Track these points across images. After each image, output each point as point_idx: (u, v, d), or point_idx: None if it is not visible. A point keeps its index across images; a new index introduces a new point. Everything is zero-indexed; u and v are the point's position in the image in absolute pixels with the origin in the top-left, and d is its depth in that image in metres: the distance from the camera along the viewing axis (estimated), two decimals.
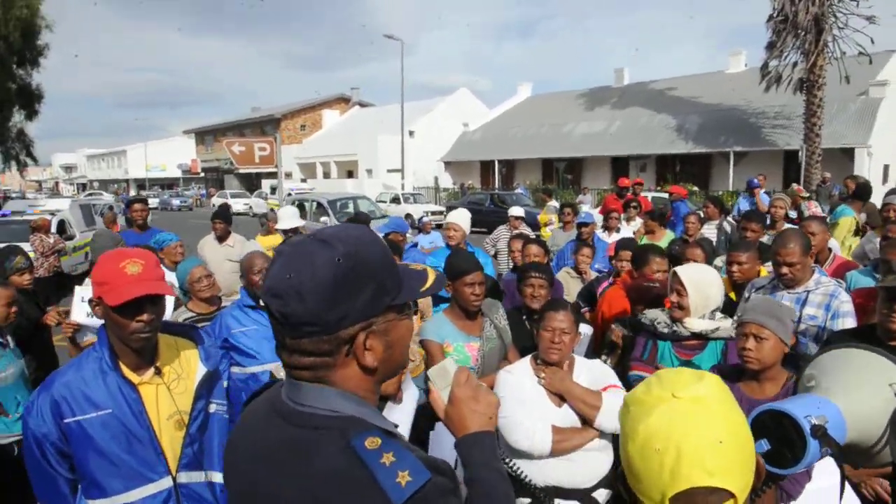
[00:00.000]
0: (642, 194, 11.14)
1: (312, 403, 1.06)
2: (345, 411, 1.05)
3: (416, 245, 5.90)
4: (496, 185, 33.32)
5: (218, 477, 2.10)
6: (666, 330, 3.08)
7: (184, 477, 2.06)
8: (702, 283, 3.12)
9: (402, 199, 27.21)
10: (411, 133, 36.40)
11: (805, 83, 20.16)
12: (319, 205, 16.57)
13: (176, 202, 45.77)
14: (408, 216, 24.38)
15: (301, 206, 15.87)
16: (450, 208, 24.77)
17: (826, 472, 2.47)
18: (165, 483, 2.01)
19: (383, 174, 37.49)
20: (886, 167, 23.20)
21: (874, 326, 2.96)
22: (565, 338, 2.70)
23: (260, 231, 8.16)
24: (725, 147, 25.38)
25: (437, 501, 0.98)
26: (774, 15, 20.13)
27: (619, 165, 29.91)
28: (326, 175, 43.06)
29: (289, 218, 6.51)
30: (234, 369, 3.35)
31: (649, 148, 28.10)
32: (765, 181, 13.37)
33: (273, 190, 29.27)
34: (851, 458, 1.38)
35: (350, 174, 40.95)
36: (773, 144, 24.08)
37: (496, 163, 34.41)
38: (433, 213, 24.12)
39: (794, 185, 11.54)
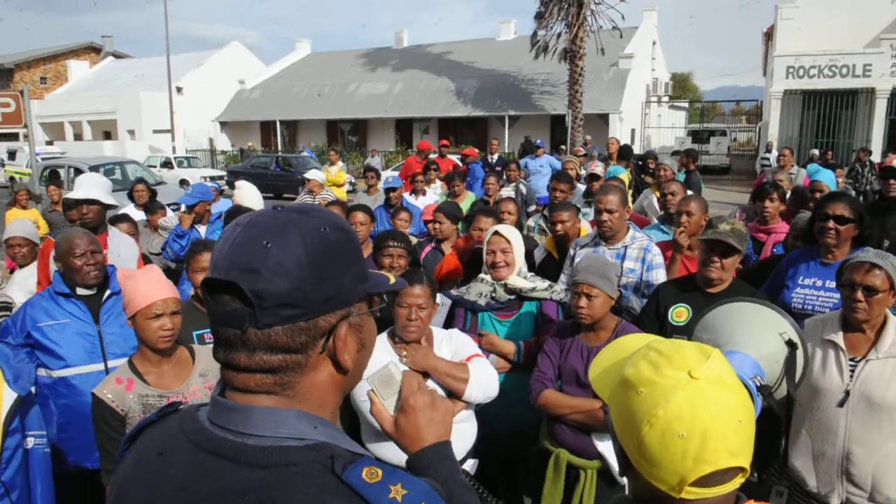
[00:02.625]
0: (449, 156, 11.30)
1: (269, 431, 0.83)
2: (313, 437, 0.84)
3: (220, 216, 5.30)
4: (279, 148, 31.91)
5: None
6: (483, 302, 3.15)
7: None
8: (519, 241, 3.25)
9: (174, 163, 24.72)
10: (179, 90, 33.15)
11: (568, 53, 22.01)
12: (78, 171, 14.38)
13: None
14: (183, 182, 22.37)
15: (55, 174, 13.68)
16: (231, 172, 23.43)
17: None
18: None
19: (149, 135, 33.65)
20: (633, 130, 26.49)
21: (693, 276, 3.25)
22: (422, 313, 2.59)
23: (11, 205, 6.78)
24: (500, 111, 26.98)
25: None
26: None
27: (404, 127, 30.38)
28: (78, 137, 37.50)
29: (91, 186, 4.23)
30: (39, 372, 2.77)
31: (432, 111, 28.85)
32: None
33: (12, 155, 24.67)
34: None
35: (108, 135, 36.17)
36: (542, 109, 26.14)
37: (278, 123, 32.84)
38: (212, 178, 22.40)
39: (576, 147, 12.53)
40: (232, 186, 20.93)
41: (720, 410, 0.97)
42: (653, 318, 3.15)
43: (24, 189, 8.38)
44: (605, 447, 2.61)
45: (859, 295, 2.47)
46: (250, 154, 28.22)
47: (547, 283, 3.29)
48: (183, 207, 5.03)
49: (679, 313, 3.11)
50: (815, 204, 3.84)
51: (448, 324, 3.33)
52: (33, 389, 1.83)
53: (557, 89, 25.02)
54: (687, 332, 3.06)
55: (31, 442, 1.85)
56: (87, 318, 2.88)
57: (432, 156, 11.86)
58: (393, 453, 1.36)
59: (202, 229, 5.04)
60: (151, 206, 5.77)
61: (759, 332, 1.63)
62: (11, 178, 19.44)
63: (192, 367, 2.45)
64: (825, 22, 20.72)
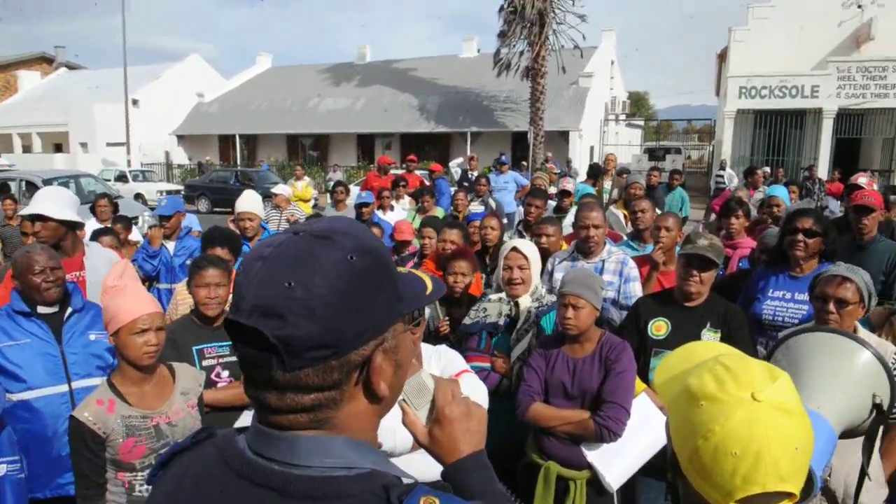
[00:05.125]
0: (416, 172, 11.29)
1: (317, 461, 0.79)
2: (362, 465, 0.81)
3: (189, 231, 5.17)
4: (238, 162, 31.46)
5: None
6: (503, 322, 3.15)
7: None
8: (537, 257, 3.28)
9: (129, 177, 24.10)
10: (135, 102, 32.43)
11: (530, 71, 22.39)
12: (30, 184, 13.92)
13: None
14: (138, 196, 21.84)
15: (5, 187, 13.20)
16: (188, 186, 22.98)
17: (640, 405, 2.78)
18: None
19: (102, 148, 32.77)
20: (592, 147, 26.99)
21: (671, 291, 3.33)
22: (416, 336, 2.57)
23: None
24: (463, 127, 27.18)
25: None
26: (505, 6, 22.02)
27: (366, 142, 30.32)
28: (27, 149, 36.25)
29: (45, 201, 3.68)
30: None
31: (394, 126, 28.87)
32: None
33: None
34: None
35: (59, 148, 35.08)
36: (504, 126, 26.43)
37: (237, 137, 32.41)
38: (168, 192, 21.94)
39: (546, 164, 12.67)
40: (189, 201, 20.67)
41: (777, 435, 0.97)
42: (633, 332, 3.21)
43: None
44: (595, 457, 2.64)
45: (831, 307, 2.58)
46: (208, 168, 27.76)
47: (553, 298, 3.30)
48: (144, 223, 4.89)
49: (658, 327, 3.18)
50: (784, 219, 3.99)
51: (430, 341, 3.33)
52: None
53: (519, 106, 25.35)
54: (665, 345, 3.14)
55: (3, 469, 1.76)
56: (49, 338, 2.77)
57: (398, 171, 11.88)
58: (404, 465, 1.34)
59: (170, 245, 4.93)
60: (116, 222, 5.61)
61: (852, 387, 1.46)
62: None
63: (174, 386, 2.38)
64: (776, 44, 21.55)
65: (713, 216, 9.06)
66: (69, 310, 2.87)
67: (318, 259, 0.78)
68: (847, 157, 21.16)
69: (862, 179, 4.54)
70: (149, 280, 4.68)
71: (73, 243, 3.64)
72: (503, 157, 11.54)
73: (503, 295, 3.22)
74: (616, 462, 2.64)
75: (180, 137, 34.47)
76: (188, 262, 4.64)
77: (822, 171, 18.52)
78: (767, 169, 16.34)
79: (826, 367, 1.45)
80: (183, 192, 22.03)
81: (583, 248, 3.86)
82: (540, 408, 2.76)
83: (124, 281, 2.34)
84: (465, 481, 1.02)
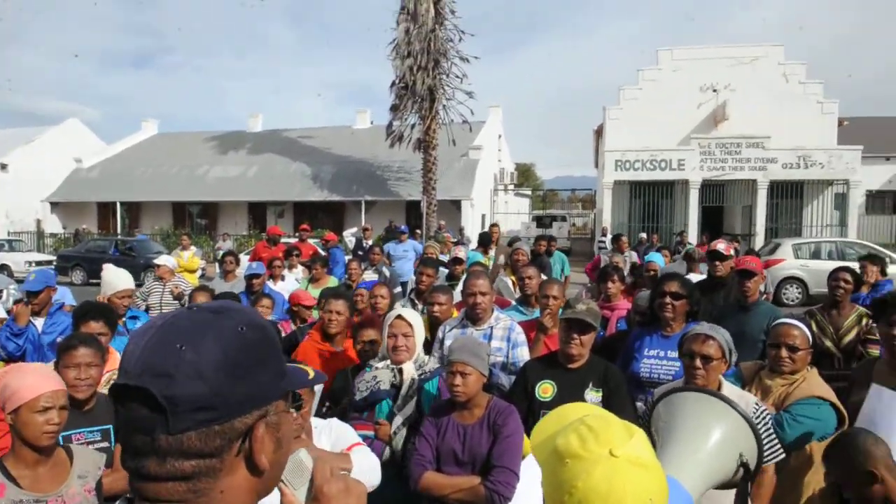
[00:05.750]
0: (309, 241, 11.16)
1: None
2: None
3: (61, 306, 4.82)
4: (118, 230, 29.82)
5: None
6: (388, 388, 3.16)
7: None
8: (421, 326, 3.33)
9: None
10: (4, 166, 30.36)
11: (422, 143, 23.10)
12: None
13: None
14: (3, 267, 20.14)
15: None
16: (61, 257, 21.47)
17: (529, 466, 2.84)
18: None
19: None
20: (483, 216, 27.91)
21: (555, 354, 3.48)
22: (303, 411, 2.53)
23: None
24: (357, 196, 27.37)
25: None
26: (397, 82, 22.81)
27: (257, 211, 29.75)
28: None
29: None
30: None
31: (287, 195, 28.60)
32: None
33: None
34: None
35: None
36: (398, 195, 26.87)
37: (118, 205, 30.82)
38: (38, 263, 20.37)
39: (443, 233, 12.92)
40: (63, 272, 19.28)
41: (634, 488, 1.06)
42: (521, 395, 3.31)
43: None
44: None
45: (698, 363, 2.79)
46: (85, 237, 26.10)
47: (436, 365, 3.38)
48: (10, 297, 4.54)
49: (545, 389, 3.30)
50: (653, 284, 4.30)
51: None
52: None
53: (412, 176, 25.94)
54: (552, 405, 3.25)
55: None
56: None
57: (290, 240, 11.71)
58: None
59: (39, 322, 4.58)
60: None
61: (721, 445, 1.54)
62: None
63: (70, 469, 2.29)
64: (645, 122, 23.66)
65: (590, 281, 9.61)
66: None
67: (210, 327, 0.83)
68: (713, 222, 23.19)
69: (720, 245, 4.97)
70: (12, 360, 4.30)
71: None
72: (402, 227, 11.69)
73: (386, 362, 3.24)
74: None
75: (54, 204, 32.30)
76: (59, 339, 4.33)
77: (692, 235, 20.15)
78: (644, 235, 17.57)
79: (697, 426, 1.56)
80: (55, 263, 20.55)
81: (471, 315, 3.97)
82: (432, 476, 2.76)
83: (23, 365, 2.24)
84: None
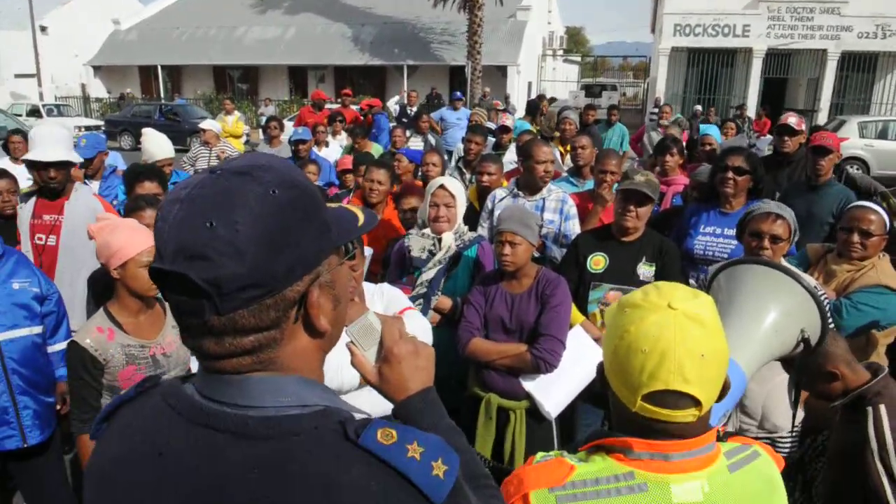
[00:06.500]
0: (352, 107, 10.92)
1: (270, 401, 0.79)
2: (316, 402, 0.81)
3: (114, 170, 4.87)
4: (161, 95, 29.80)
5: None
6: (425, 256, 3.17)
7: None
8: (464, 197, 3.27)
9: (43, 112, 22.45)
10: (43, 29, 30.04)
11: (467, 2, 21.85)
12: None
13: None
14: None
15: None
16: (109, 122, 21.69)
17: (575, 337, 2.88)
18: None
19: (10, 80, 30.38)
20: (530, 84, 26.89)
21: (608, 227, 3.40)
22: (356, 273, 2.54)
23: None
24: (399, 60, 26.48)
25: (466, 484, 0.84)
26: None
27: (298, 75, 29.20)
28: None
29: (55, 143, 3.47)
30: None
31: (327, 58, 27.85)
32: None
33: None
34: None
35: None
36: (441, 59, 25.92)
37: (159, 69, 30.53)
38: (87, 128, 20.65)
39: (485, 99, 12.51)
40: (111, 137, 19.58)
41: (684, 338, 1.05)
42: (572, 267, 3.28)
43: None
44: (532, 387, 2.72)
45: (766, 243, 2.67)
46: (130, 102, 26.18)
47: (475, 234, 3.36)
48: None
49: (597, 261, 3.25)
50: (716, 157, 4.09)
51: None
52: None
53: (456, 39, 24.84)
54: (603, 278, 3.23)
55: None
56: None
57: (333, 105, 11.51)
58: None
59: (95, 185, 4.65)
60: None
61: (783, 320, 1.50)
62: None
63: (165, 319, 2.44)
64: None
65: (631, 152, 9.25)
66: None
67: (238, 196, 0.75)
68: (774, 96, 21.88)
69: (792, 119, 4.64)
70: None
71: (64, 185, 3.54)
72: (458, 94, 11.28)
73: (427, 230, 3.22)
74: (553, 391, 2.73)
75: (96, 68, 32.21)
76: (114, 202, 4.41)
77: (751, 110, 19.13)
78: (699, 107, 16.73)
79: (761, 299, 1.52)
80: (103, 129, 20.78)
81: (534, 184, 3.87)
82: (479, 343, 2.81)
83: (113, 219, 2.39)
84: (415, 417, 1.03)
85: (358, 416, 0.82)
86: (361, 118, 9.70)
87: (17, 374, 2.66)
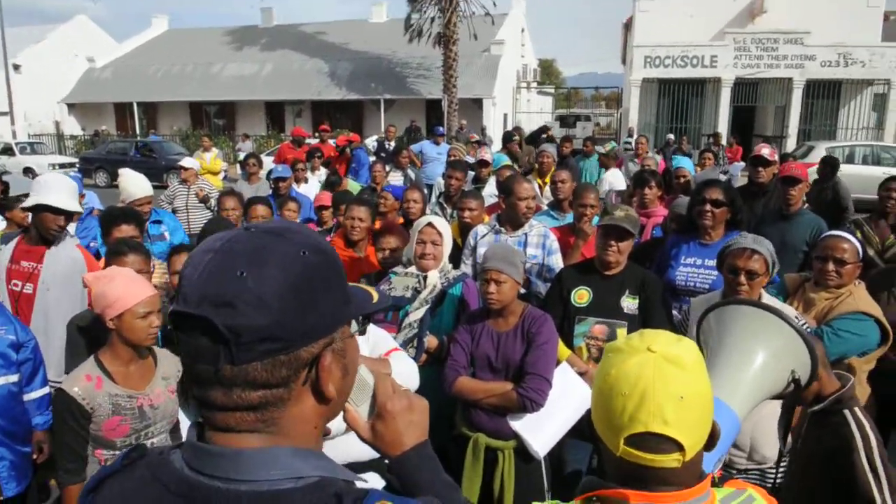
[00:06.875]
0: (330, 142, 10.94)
1: (263, 475, 0.77)
2: (310, 473, 0.79)
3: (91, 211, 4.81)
4: (136, 132, 29.64)
5: None
6: (410, 294, 3.17)
7: None
8: (450, 235, 3.27)
9: (16, 150, 22.15)
10: (17, 67, 29.83)
11: (442, 37, 22.23)
12: None
13: None
14: (27, 170, 20.22)
15: None
16: (84, 159, 21.47)
17: (562, 373, 2.87)
18: None
19: None
20: (505, 115, 27.27)
21: (591, 261, 3.42)
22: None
23: None
24: (376, 94, 26.72)
25: None
26: None
27: (275, 110, 29.29)
28: None
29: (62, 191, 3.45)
30: None
31: (304, 93, 28.01)
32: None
33: None
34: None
35: None
36: (418, 93, 26.20)
37: (135, 105, 30.47)
38: (61, 166, 20.43)
39: (462, 131, 12.63)
40: (86, 174, 19.38)
41: (664, 381, 1.06)
42: (557, 301, 3.29)
43: None
44: (520, 426, 2.70)
45: (742, 279, 2.70)
46: (105, 139, 25.99)
47: (459, 272, 3.36)
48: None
49: (581, 295, 3.27)
50: (691, 189, 4.16)
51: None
52: None
53: (432, 73, 25.17)
54: (588, 311, 3.24)
55: None
56: None
57: (312, 141, 11.53)
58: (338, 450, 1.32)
59: (71, 227, 4.57)
60: (8, 202, 5.13)
61: (773, 362, 1.50)
62: None
63: (155, 370, 2.43)
64: (677, 15, 22.41)
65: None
66: None
67: (271, 252, 0.78)
68: (743, 123, 22.43)
69: (765, 150, 4.75)
70: None
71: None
72: (440, 129, 11.32)
73: (412, 269, 3.21)
74: (541, 430, 2.71)
75: (71, 106, 32.06)
76: (92, 244, 4.35)
77: (721, 137, 19.55)
78: (671, 136, 17.06)
79: (750, 342, 1.52)
80: (78, 166, 20.58)
81: (516, 220, 3.89)
82: (465, 381, 2.79)
83: (110, 269, 2.39)
84: (411, 473, 1.02)
85: (359, 484, 0.81)
86: (338, 153, 9.71)
87: None
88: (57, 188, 3.35)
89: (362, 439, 1.08)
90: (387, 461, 1.07)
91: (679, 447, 1.06)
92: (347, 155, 9.64)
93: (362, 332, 1.01)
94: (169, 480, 0.79)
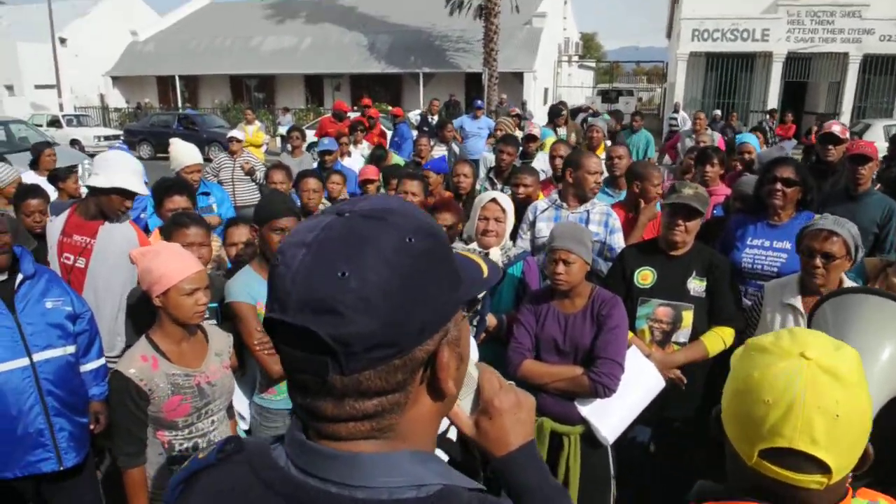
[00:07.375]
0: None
1: (380, 481, 0.70)
2: (431, 481, 0.72)
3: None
4: (178, 105, 29.99)
5: None
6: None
7: None
8: (512, 212, 3.18)
9: (63, 122, 22.62)
10: (63, 41, 30.34)
11: (483, 9, 21.83)
12: None
13: None
14: (74, 142, 20.64)
15: None
16: (128, 131, 21.83)
17: (630, 358, 2.76)
18: None
19: (30, 91, 30.70)
20: (546, 90, 26.80)
21: (654, 240, 3.29)
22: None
23: None
24: (415, 68, 26.48)
25: None
26: None
27: (314, 84, 29.29)
28: None
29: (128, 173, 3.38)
30: None
31: (343, 66, 27.92)
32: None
33: None
34: None
35: None
36: (457, 67, 25.88)
37: (177, 78, 30.78)
38: (106, 138, 20.81)
39: (502, 106, 12.42)
40: (130, 146, 19.75)
41: (817, 394, 0.93)
42: (619, 282, 3.17)
43: None
44: (589, 412, 2.61)
45: (818, 262, 2.55)
46: (148, 111, 26.37)
47: (521, 249, 3.26)
48: (85, 172, 4.54)
49: (644, 276, 3.14)
50: (762, 167, 3.96)
51: None
52: None
53: (472, 46, 24.80)
54: (651, 293, 3.11)
55: None
56: (1, 309, 2.52)
57: (352, 115, 11.46)
58: None
59: None
60: (61, 173, 5.18)
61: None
62: None
63: (208, 346, 2.38)
64: None
65: (667, 158, 9.11)
66: (19, 277, 2.59)
67: (372, 243, 0.68)
68: (794, 99, 21.61)
69: (836, 128, 4.50)
70: None
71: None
72: (479, 102, 11.11)
73: (473, 245, 3.12)
74: (610, 416, 2.62)
75: (115, 79, 32.54)
76: (143, 215, 4.36)
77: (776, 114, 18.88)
78: (718, 112, 16.51)
79: (874, 334, 1.40)
80: (122, 138, 20.91)
81: (583, 195, 3.77)
82: (531, 365, 2.71)
83: (157, 245, 2.32)
84: (518, 475, 0.95)
85: (478, 488, 0.74)
86: (369, 126, 9.57)
87: (52, 395, 2.58)
88: (125, 169, 3.27)
89: (465, 436, 0.99)
90: (490, 461, 0.98)
91: (825, 469, 0.93)
92: (379, 127, 9.49)
93: (472, 311, 0.92)
94: (274, 482, 0.72)
